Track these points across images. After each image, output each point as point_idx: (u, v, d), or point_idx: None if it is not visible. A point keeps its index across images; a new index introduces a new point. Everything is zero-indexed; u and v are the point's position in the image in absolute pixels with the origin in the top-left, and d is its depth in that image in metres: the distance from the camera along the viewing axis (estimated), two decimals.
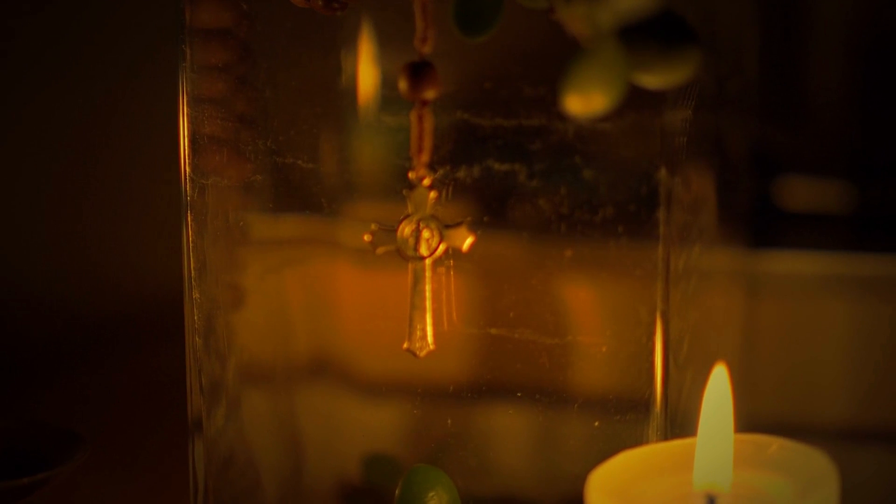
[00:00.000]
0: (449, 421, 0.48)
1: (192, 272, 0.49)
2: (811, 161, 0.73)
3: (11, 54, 0.80)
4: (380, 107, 0.47)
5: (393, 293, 0.46)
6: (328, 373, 0.49)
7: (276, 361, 0.50)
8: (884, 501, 0.65)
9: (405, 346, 0.45)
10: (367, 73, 0.47)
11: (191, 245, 0.49)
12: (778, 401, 0.67)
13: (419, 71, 0.43)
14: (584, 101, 0.38)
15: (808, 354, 0.67)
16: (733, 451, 0.41)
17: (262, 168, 0.48)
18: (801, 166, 0.73)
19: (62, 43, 0.80)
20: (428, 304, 0.45)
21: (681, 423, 0.46)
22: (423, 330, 0.45)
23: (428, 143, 0.43)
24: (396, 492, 0.45)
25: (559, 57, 0.39)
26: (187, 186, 0.48)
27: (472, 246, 0.45)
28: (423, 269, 0.45)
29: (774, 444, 0.42)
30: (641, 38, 0.38)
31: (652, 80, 0.39)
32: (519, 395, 0.47)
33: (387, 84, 0.46)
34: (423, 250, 0.45)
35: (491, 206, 0.45)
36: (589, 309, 0.46)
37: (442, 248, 0.45)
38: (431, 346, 0.45)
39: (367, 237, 0.45)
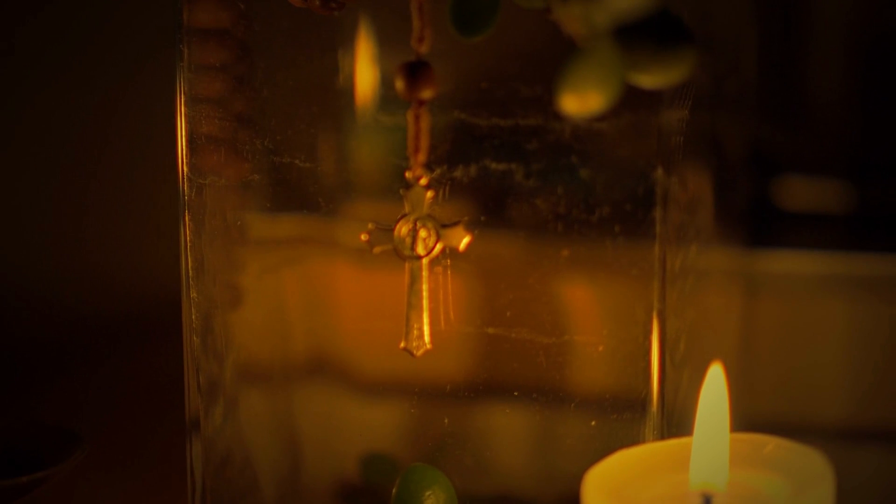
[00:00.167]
0: (446, 420, 0.48)
1: (190, 272, 0.49)
2: (810, 160, 0.73)
3: (12, 55, 0.80)
4: (377, 106, 0.47)
5: (390, 293, 0.46)
6: (326, 372, 0.49)
7: (273, 361, 0.50)
8: (882, 501, 0.66)
9: (402, 345, 0.45)
10: (364, 73, 0.47)
11: (188, 244, 0.49)
12: (777, 400, 0.67)
13: (416, 71, 0.43)
14: (579, 101, 0.38)
15: (806, 354, 0.67)
16: (729, 450, 0.41)
17: (260, 168, 0.48)
18: (800, 166, 0.73)
19: (62, 43, 0.80)
20: (425, 303, 0.45)
21: (677, 422, 0.46)
22: (420, 329, 0.45)
23: (425, 142, 0.43)
24: (393, 491, 0.45)
25: (556, 57, 0.39)
26: (185, 186, 0.48)
27: (469, 245, 0.45)
28: (420, 269, 0.45)
29: (770, 444, 0.42)
30: (637, 37, 0.38)
31: (648, 79, 0.39)
32: (516, 394, 0.47)
33: (384, 84, 0.46)
34: (420, 250, 0.45)
35: (488, 206, 0.45)
36: (586, 308, 0.46)
37: (439, 247, 0.45)
38: (428, 346, 0.45)
39: (363, 236, 0.45)
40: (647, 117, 0.44)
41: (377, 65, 0.47)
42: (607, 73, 0.38)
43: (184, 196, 0.48)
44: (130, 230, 0.79)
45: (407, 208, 0.45)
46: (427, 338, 0.45)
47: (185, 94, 0.48)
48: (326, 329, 0.49)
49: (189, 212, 0.48)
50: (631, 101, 0.40)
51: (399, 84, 0.43)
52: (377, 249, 0.45)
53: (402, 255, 0.45)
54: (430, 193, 0.44)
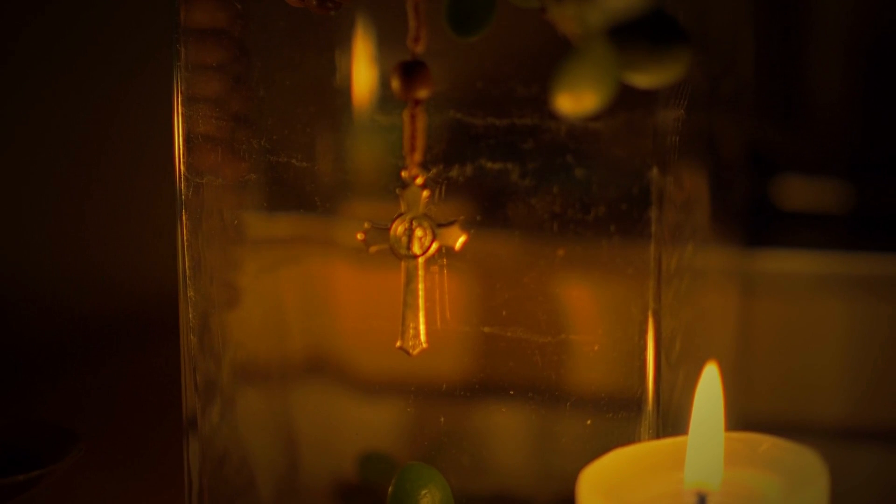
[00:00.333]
0: (442, 419, 0.48)
1: (187, 271, 0.49)
2: (809, 160, 0.73)
3: (12, 56, 0.80)
4: (374, 106, 0.47)
5: (387, 292, 0.46)
6: (323, 371, 0.50)
7: (270, 360, 0.50)
8: (881, 501, 0.66)
9: (398, 344, 0.45)
10: (361, 73, 0.47)
11: (185, 244, 0.49)
12: (775, 400, 0.67)
13: (412, 70, 0.43)
14: (574, 101, 0.38)
15: (804, 354, 0.67)
16: (724, 449, 0.41)
17: (257, 167, 0.48)
18: (798, 165, 0.73)
19: (63, 44, 0.80)
20: (421, 302, 0.45)
21: (673, 421, 0.46)
22: (416, 328, 0.45)
23: (420, 142, 0.43)
24: (389, 489, 0.45)
25: (552, 56, 0.39)
26: (182, 185, 0.48)
27: (465, 245, 0.45)
28: (416, 268, 0.45)
29: (765, 443, 0.42)
30: (632, 37, 0.38)
31: (642, 79, 0.39)
32: (512, 393, 0.47)
33: (381, 83, 0.47)
34: (416, 249, 0.45)
35: (483, 205, 0.46)
36: (581, 307, 0.46)
37: (435, 246, 0.45)
38: (424, 345, 0.45)
39: (359, 236, 0.45)
40: (642, 117, 0.44)
41: (374, 64, 0.47)
42: (602, 72, 0.38)
43: (181, 195, 0.48)
44: (129, 230, 0.79)
45: (403, 208, 0.45)
46: (423, 337, 0.45)
47: (182, 93, 0.48)
48: (323, 328, 0.49)
49: (186, 211, 0.48)
50: (626, 100, 0.40)
51: (395, 84, 0.43)
52: (373, 249, 0.45)
53: (399, 254, 0.45)
54: (426, 193, 0.45)
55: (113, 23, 0.80)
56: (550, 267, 0.45)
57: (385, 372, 0.49)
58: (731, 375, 0.62)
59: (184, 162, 0.48)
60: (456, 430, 0.48)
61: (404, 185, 0.45)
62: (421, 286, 0.45)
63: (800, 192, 0.72)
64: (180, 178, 0.48)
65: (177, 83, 0.48)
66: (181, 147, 0.48)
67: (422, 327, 0.45)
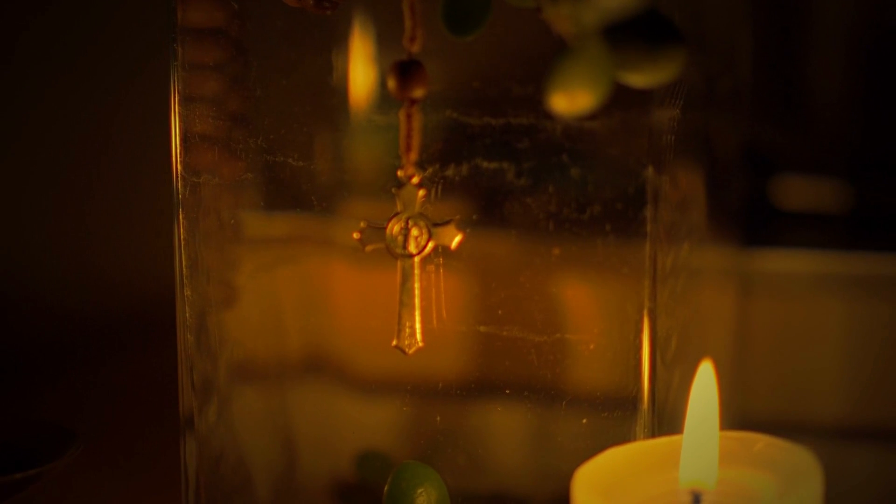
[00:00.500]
0: (438, 418, 0.48)
1: (184, 270, 0.49)
2: (807, 159, 0.73)
3: (12, 57, 0.80)
4: (370, 105, 0.47)
5: (384, 291, 0.46)
6: (320, 370, 0.50)
7: (268, 359, 0.50)
8: (879, 501, 0.66)
9: (394, 343, 0.45)
10: (357, 72, 0.47)
11: (182, 243, 0.49)
12: (773, 399, 0.67)
13: (408, 70, 0.43)
14: (569, 100, 0.38)
15: (803, 353, 0.67)
16: (719, 448, 0.41)
17: (254, 166, 0.48)
18: (796, 165, 0.73)
19: (62, 45, 0.80)
20: (416, 301, 0.45)
21: (669, 420, 0.46)
22: (412, 327, 0.45)
23: (416, 141, 0.43)
24: (385, 488, 0.46)
25: (548, 56, 0.39)
26: (179, 184, 0.48)
27: (461, 244, 0.45)
28: (412, 267, 0.45)
29: (760, 442, 0.42)
30: (626, 37, 0.38)
31: (637, 78, 0.39)
32: (508, 392, 0.47)
33: (377, 83, 0.47)
34: (412, 248, 0.45)
35: (479, 205, 0.46)
36: (577, 306, 0.46)
37: (430, 245, 0.45)
38: (420, 344, 0.45)
39: (356, 235, 0.45)
40: (637, 116, 0.44)
41: (370, 64, 0.47)
42: (597, 72, 0.39)
43: (178, 195, 0.49)
44: (129, 229, 0.79)
45: (399, 207, 0.45)
46: (419, 336, 0.45)
47: (179, 93, 0.48)
48: (320, 327, 0.49)
49: (183, 210, 0.49)
50: (622, 100, 0.40)
51: (391, 83, 0.43)
52: (369, 248, 0.45)
53: (394, 253, 0.45)
54: (421, 192, 0.45)
55: (113, 23, 0.80)
56: (546, 266, 0.45)
57: (382, 371, 0.49)
58: (728, 375, 0.62)
59: (181, 161, 0.48)
60: (452, 429, 0.48)
61: (400, 184, 0.45)
62: (417, 285, 0.45)
63: (799, 192, 0.72)
64: (177, 177, 0.48)
65: (174, 83, 0.48)
66: (178, 146, 0.48)
67: (418, 326, 0.45)
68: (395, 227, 0.45)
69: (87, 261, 0.80)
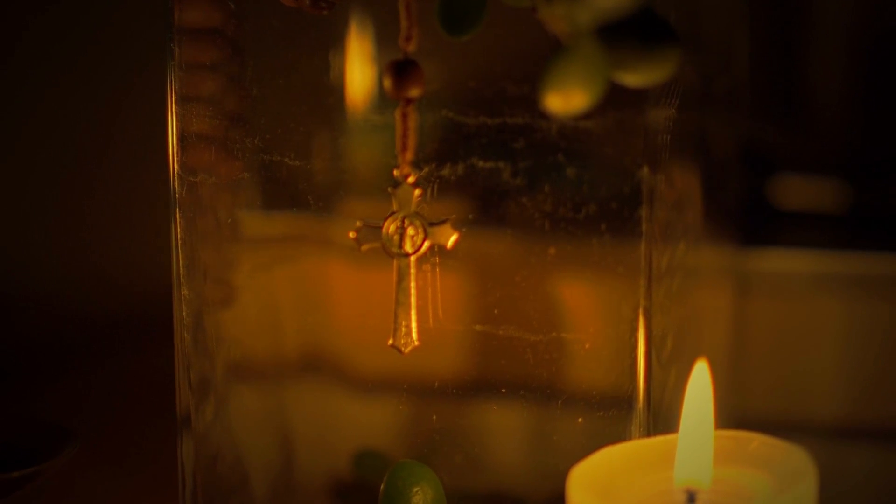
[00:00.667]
0: (434, 417, 0.48)
1: (181, 269, 0.49)
2: (806, 159, 0.73)
3: (12, 58, 0.80)
4: (367, 105, 0.47)
5: (381, 290, 0.46)
6: (318, 369, 0.50)
7: (265, 358, 0.50)
8: (877, 500, 0.66)
9: (390, 342, 0.45)
10: (354, 72, 0.47)
11: (179, 242, 0.49)
12: (772, 399, 0.67)
13: (403, 69, 0.43)
14: (563, 100, 0.39)
15: (802, 353, 0.67)
16: (714, 447, 0.41)
17: (251, 166, 0.48)
18: (796, 164, 0.73)
19: (63, 45, 0.80)
20: (413, 300, 0.45)
21: (664, 419, 0.46)
22: (408, 326, 0.45)
23: (412, 141, 0.43)
24: (381, 487, 0.46)
25: (543, 56, 0.39)
26: (176, 184, 0.49)
27: (457, 243, 0.45)
28: (408, 266, 0.45)
29: (755, 441, 0.42)
30: (621, 36, 0.38)
31: (632, 78, 0.39)
32: (504, 391, 0.47)
33: (374, 82, 0.47)
34: (408, 247, 0.45)
35: (475, 204, 0.46)
36: (572, 306, 0.46)
37: (426, 245, 0.45)
38: (416, 343, 0.45)
39: (352, 234, 0.45)
40: (633, 116, 0.44)
41: (367, 64, 0.47)
42: (591, 71, 0.39)
43: (175, 194, 0.49)
44: (129, 229, 0.79)
45: (395, 206, 0.45)
46: (415, 335, 0.45)
47: (176, 92, 0.48)
48: (318, 326, 0.49)
49: (180, 209, 0.49)
50: (617, 99, 0.40)
51: (387, 83, 0.43)
52: (365, 247, 0.45)
53: (390, 252, 0.45)
54: (417, 191, 0.45)
55: (114, 23, 0.80)
56: (542, 265, 0.46)
57: (379, 370, 0.49)
58: (725, 374, 0.62)
59: (178, 161, 0.48)
60: (448, 428, 0.48)
61: (396, 183, 0.45)
62: (413, 284, 0.45)
63: (797, 192, 0.72)
64: (174, 176, 0.48)
65: (171, 82, 0.48)
66: (175, 146, 0.48)
67: (414, 325, 0.45)
68: (391, 227, 0.45)
69: (87, 260, 0.80)
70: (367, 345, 0.48)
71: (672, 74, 0.39)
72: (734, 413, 0.64)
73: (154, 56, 0.53)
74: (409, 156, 0.44)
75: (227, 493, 0.50)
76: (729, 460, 0.41)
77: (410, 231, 0.45)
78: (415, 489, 0.45)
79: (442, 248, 0.45)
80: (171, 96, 0.48)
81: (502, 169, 0.45)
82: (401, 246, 0.45)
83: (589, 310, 0.46)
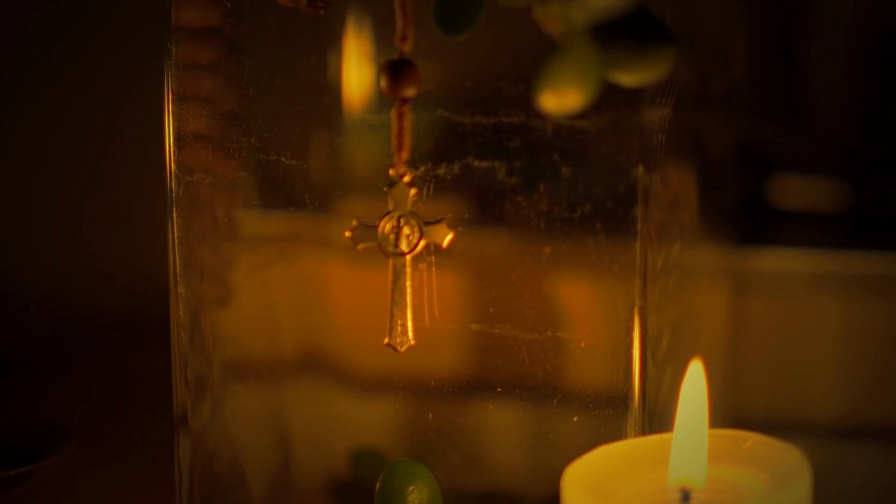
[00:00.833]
0: (430, 416, 0.48)
1: (178, 268, 0.49)
2: (805, 159, 0.73)
3: (12, 59, 0.80)
4: (363, 104, 0.47)
5: (378, 289, 0.46)
6: (315, 368, 0.50)
7: (262, 357, 0.50)
8: (876, 499, 0.66)
9: (386, 341, 0.45)
10: (350, 71, 0.47)
11: (176, 241, 0.49)
12: (771, 398, 0.67)
13: (399, 69, 0.43)
14: (558, 99, 0.39)
15: (801, 352, 0.67)
16: (709, 446, 0.41)
17: (247, 165, 0.48)
18: (795, 164, 0.73)
19: (64, 45, 0.80)
20: (408, 299, 0.45)
21: (660, 418, 0.46)
22: (404, 325, 0.45)
23: (408, 140, 0.43)
24: (377, 486, 0.46)
25: (539, 55, 0.39)
26: (172, 183, 0.49)
27: (452, 242, 0.45)
28: (404, 265, 0.45)
29: (750, 440, 0.42)
30: (615, 36, 0.39)
31: (626, 78, 0.39)
32: (499, 390, 0.47)
33: (370, 82, 0.47)
34: (404, 246, 0.45)
35: (471, 203, 0.46)
36: (568, 305, 0.46)
37: (422, 244, 0.45)
38: (412, 342, 0.45)
39: (347, 233, 0.45)
40: (628, 115, 0.44)
41: (363, 63, 0.47)
42: (586, 71, 0.39)
43: (171, 193, 0.49)
44: (129, 228, 0.79)
45: (391, 205, 0.45)
46: (410, 334, 0.45)
47: (172, 92, 0.48)
48: (315, 325, 0.50)
49: (177, 209, 0.49)
50: (612, 99, 0.40)
51: (382, 82, 0.43)
52: (361, 246, 0.45)
53: (386, 251, 0.45)
54: (413, 191, 0.45)
55: (115, 23, 0.80)
56: (537, 265, 0.46)
57: (376, 369, 0.49)
58: (723, 374, 0.62)
59: (174, 160, 0.48)
60: (444, 427, 0.48)
61: (392, 183, 0.45)
62: (408, 283, 0.45)
63: (796, 191, 0.72)
64: (171, 175, 0.49)
65: (167, 82, 0.48)
66: (172, 145, 0.48)
67: (409, 324, 0.45)
68: (386, 226, 0.45)
69: (87, 260, 0.80)
70: (364, 344, 0.49)
71: (667, 74, 0.39)
72: (732, 413, 0.64)
73: (154, 56, 0.53)
74: (405, 155, 0.44)
75: (224, 492, 0.51)
76: (724, 459, 0.41)
77: (406, 230, 0.45)
78: (410, 488, 0.45)
79: (438, 247, 0.45)
80: (168, 96, 0.48)
81: (498, 168, 0.45)
82: (396, 245, 0.45)
83: (584, 309, 0.46)
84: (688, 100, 0.50)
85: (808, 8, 0.74)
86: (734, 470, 0.41)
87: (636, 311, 0.45)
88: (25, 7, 0.80)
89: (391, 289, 0.45)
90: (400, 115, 0.43)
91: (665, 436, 0.42)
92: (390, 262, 0.45)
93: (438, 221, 0.45)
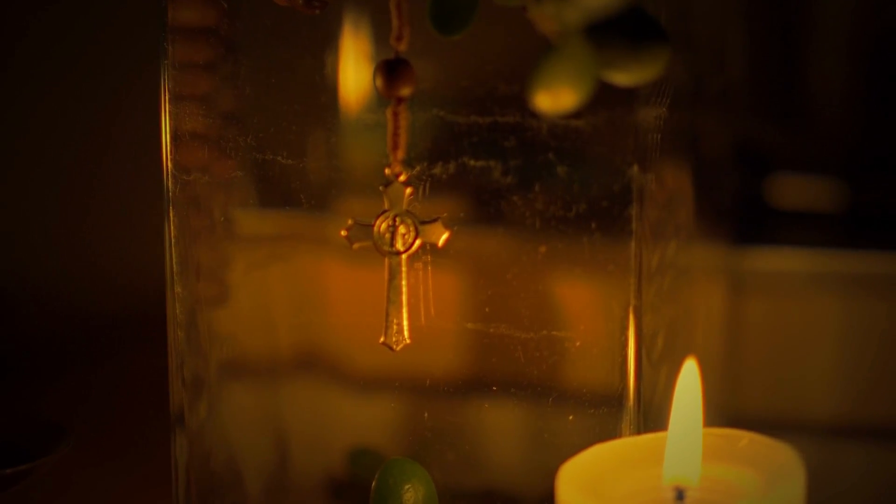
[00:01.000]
0: (426, 414, 0.48)
1: (175, 267, 0.49)
2: (804, 158, 0.73)
3: (12, 60, 0.81)
4: (359, 104, 0.47)
5: (375, 288, 0.46)
6: (312, 367, 0.50)
7: (259, 355, 0.50)
8: (874, 499, 0.66)
9: (381, 340, 0.46)
10: (347, 71, 0.47)
11: (173, 240, 0.49)
12: (769, 398, 0.67)
13: (395, 68, 0.43)
14: (552, 99, 0.39)
15: (799, 352, 0.67)
16: (704, 445, 0.41)
17: (244, 164, 0.48)
18: (793, 163, 0.73)
19: (64, 45, 0.80)
20: (404, 298, 0.45)
21: (655, 417, 0.46)
22: (400, 324, 0.45)
23: (403, 139, 0.44)
24: (373, 485, 0.46)
25: (534, 55, 0.39)
26: (169, 182, 0.49)
27: (448, 241, 0.45)
28: (399, 264, 0.45)
29: (745, 439, 0.42)
30: (610, 35, 0.39)
31: (621, 77, 0.39)
32: (494, 389, 0.47)
33: (367, 81, 0.47)
34: (399, 245, 0.45)
35: (467, 203, 0.46)
36: (563, 304, 0.46)
37: (418, 243, 0.45)
38: (407, 340, 0.45)
39: (343, 233, 0.46)
40: (623, 115, 0.44)
41: (360, 63, 0.47)
42: (580, 70, 0.39)
43: (168, 192, 0.49)
44: (128, 228, 0.79)
45: (386, 205, 0.45)
46: (406, 333, 0.45)
47: (169, 91, 0.48)
48: (312, 324, 0.50)
49: (173, 208, 0.49)
50: (607, 98, 0.41)
51: (378, 82, 0.43)
52: (356, 245, 0.46)
53: (382, 250, 0.45)
54: (408, 190, 0.45)
55: (115, 23, 0.80)
56: (532, 264, 0.46)
57: (373, 368, 0.49)
58: (720, 373, 0.62)
59: (171, 159, 0.49)
60: (440, 426, 0.48)
61: (387, 182, 0.45)
62: (404, 282, 0.45)
63: (795, 190, 0.73)
64: (167, 175, 0.49)
65: (164, 81, 0.48)
66: (168, 144, 0.49)
67: (405, 323, 0.45)
68: (382, 225, 0.45)
69: (86, 259, 0.81)
70: (360, 343, 0.49)
71: (661, 73, 0.39)
72: (730, 412, 0.64)
73: (153, 56, 0.53)
74: (401, 154, 0.44)
75: (221, 491, 0.51)
76: (718, 458, 0.41)
77: (402, 229, 0.45)
78: (406, 486, 0.45)
79: (433, 246, 0.45)
80: (165, 95, 0.48)
81: (493, 168, 0.45)
82: (392, 244, 0.45)
83: (580, 308, 0.46)
84: (683, 99, 0.50)
85: (807, 8, 0.74)
86: (728, 469, 0.41)
87: (631, 310, 0.45)
88: (25, 7, 0.80)
89: (387, 288, 0.45)
90: (395, 115, 0.43)
91: (659, 435, 0.42)
92: (386, 261, 0.45)
93: (434, 221, 0.45)
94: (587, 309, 0.46)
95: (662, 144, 0.46)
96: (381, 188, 0.45)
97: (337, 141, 0.48)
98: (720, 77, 0.60)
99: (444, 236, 0.45)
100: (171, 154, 0.49)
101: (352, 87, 0.47)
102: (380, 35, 0.45)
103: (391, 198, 0.45)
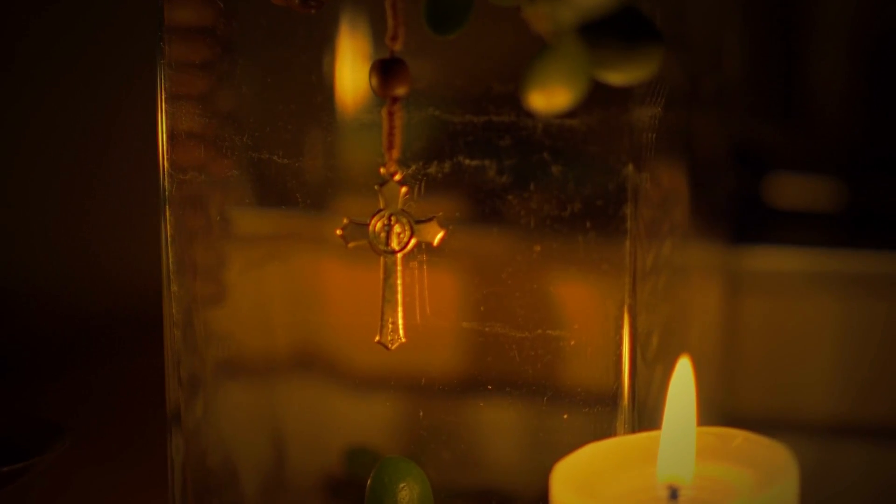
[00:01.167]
0: (421, 413, 0.48)
1: (171, 266, 0.49)
2: (802, 157, 0.73)
3: (11, 61, 0.81)
4: (355, 103, 0.47)
5: (372, 288, 0.46)
6: (309, 366, 0.50)
7: (255, 355, 0.50)
8: (873, 499, 0.66)
9: (377, 339, 0.46)
10: (343, 70, 0.47)
11: (169, 239, 0.49)
12: (767, 397, 0.67)
13: (390, 68, 0.43)
14: (546, 98, 0.39)
15: (797, 351, 0.67)
16: (698, 443, 0.41)
17: (240, 164, 0.48)
18: (792, 162, 0.73)
19: (63, 45, 0.81)
20: (399, 297, 0.45)
21: (650, 417, 0.46)
22: (395, 323, 0.45)
23: (399, 139, 0.44)
24: (368, 483, 0.46)
25: (529, 54, 0.39)
26: (165, 182, 0.49)
27: (443, 240, 0.45)
28: (395, 264, 0.45)
29: (739, 437, 0.42)
30: (603, 35, 0.39)
31: (615, 77, 0.39)
32: (489, 388, 0.47)
33: (362, 81, 0.47)
34: (395, 244, 0.45)
35: (462, 202, 0.46)
36: (558, 303, 0.46)
37: (413, 242, 0.45)
38: (403, 339, 0.45)
39: (338, 232, 0.46)
40: (618, 114, 0.44)
41: (356, 62, 0.47)
42: (574, 70, 0.39)
43: (164, 191, 0.49)
44: (128, 227, 0.80)
45: (381, 204, 0.45)
46: (401, 332, 0.45)
47: (165, 90, 0.48)
48: (308, 323, 0.50)
49: (170, 207, 0.49)
50: (602, 97, 0.41)
51: (373, 81, 0.43)
52: (352, 244, 0.46)
53: (377, 249, 0.45)
54: (404, 189, 0.45)
55: (114, 23, 0.80)
56: (527, 263, 0.46)
57: (370, 367, 0.49)
58: (717, 372, 0.62)
59: (167, 158, 0.49)
60: (435, 425, 0.48)
61: (383, 181, 0.45)
62: (399, 282, 0.45)
63: (794, 190, 0.73)
64: (164, 174, 0.49)
65: (161, 81, 0.48)
66: (165, 144, 0.49)
67: (400, 322, 0.45)
68: (377, 224, 0.45)
69: (85, 258, 0.81)
70: (356, 342, 0.49)
71: (656, 73, 0.39)
72: (727, 412, 0.64)
73: (153, 56, 0.53)
74: (396, 154, 0.44)
75: (218, 490, 0.51)
76: (712, 456, 0.41)
77: (397, 228, 0.45)
78: (401, 485, 0.45)
79: (428, 245, 0.45)
80: (161, 94, 0.48)
81: (488, 167, 0.45)
82: (387, 243, 0.45)
83: (574, 307, 0.46)
84: (679, 98, 0.50)
85: (807, 8, 0.74)
86: (722, 467, 0.41)
87: (626, 309, 0.45)
88: (25, 7, 0.80)
89: (382, 287, 0.45)
90: (391, 114, 0.43)
91: (654, 433, 0.42)
92: (381, 260, 0.45)
93: (429, 220, 0.45)
94: (582, 308, 0.46)
95: (658, 144, 0.46)
96: (376, 187, 0.45)
97: (333, 140, 0.48)
98: (717, 76, 0.60)
99: (440, 235, 0.45)
100: (167, 153, 0.49)
101: (348, 86, 0.47)
102: (375, 35, 0.46)
103: (386, 197, 0.45)
